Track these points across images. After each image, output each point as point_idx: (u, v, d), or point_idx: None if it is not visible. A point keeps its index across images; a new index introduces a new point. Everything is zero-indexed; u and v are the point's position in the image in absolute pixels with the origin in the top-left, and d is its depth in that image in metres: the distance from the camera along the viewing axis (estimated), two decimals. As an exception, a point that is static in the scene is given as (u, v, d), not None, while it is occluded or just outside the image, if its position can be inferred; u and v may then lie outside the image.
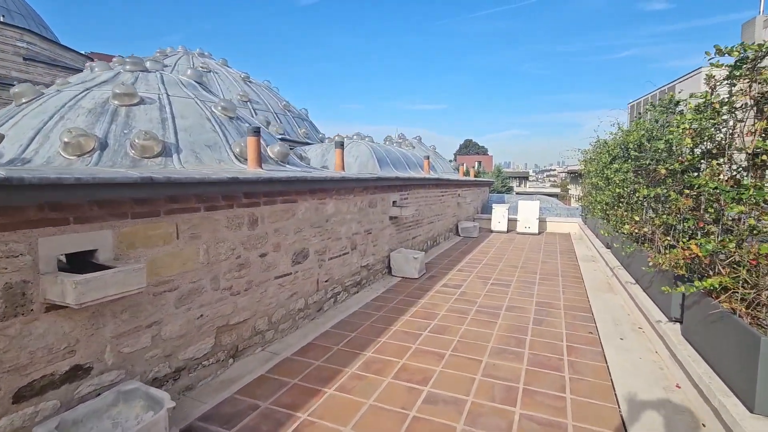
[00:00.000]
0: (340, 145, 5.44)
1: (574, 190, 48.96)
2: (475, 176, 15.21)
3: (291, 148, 8.99)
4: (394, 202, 6.51)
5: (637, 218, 4.22)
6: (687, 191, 3.13)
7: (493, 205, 11.93)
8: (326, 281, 4.69)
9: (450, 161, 14.50)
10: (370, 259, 5.82)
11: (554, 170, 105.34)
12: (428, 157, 9.02)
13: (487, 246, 9.42)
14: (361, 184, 5.28)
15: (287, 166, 4.81)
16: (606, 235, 6.16)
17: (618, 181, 5.33)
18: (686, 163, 3.16)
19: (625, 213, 5.15)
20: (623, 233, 4.72)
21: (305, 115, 10.99)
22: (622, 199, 5.49)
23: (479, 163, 75.34)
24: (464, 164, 13.19)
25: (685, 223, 3.29)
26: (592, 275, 6.60)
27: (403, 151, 9.09)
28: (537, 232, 11.32)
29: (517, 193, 61.84)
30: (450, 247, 9.17)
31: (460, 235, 10.78)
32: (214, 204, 3.06)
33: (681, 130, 3.06)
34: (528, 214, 11.49)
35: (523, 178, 72.78)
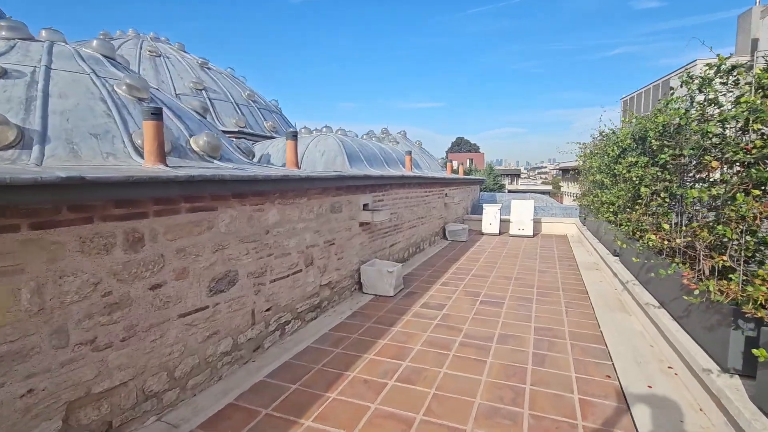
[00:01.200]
0: (293, 136, 4.39)
1: (567, 188, 48.31)
2: (465, 174, 14.24)
3: (254, 143, 7.93)
4: (365, 205, 5.48)
5: (666, 226, 3.24)
6: (756, 192, 2.14)
7: (484, 206, 10.95)
8: (267, 310, 3.65)
9: (442, 158, 13.50)
10: (333, 276, 4.79)
11: (545, 167, 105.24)
12: (410, 153, 8.01)
13: (477, 252, 8.43)
14: (318, 184, 4.24)
15: (216, 162, 3.76)
16: (622, 246, 5.20)
17: (635, 178, 4.35)
18: (757, 152, 2.18)
19: (644, 217, 4.17)
20: (644, 243, 3.75)
21: (274, 107, 9.92)
22: (638, 201, 4.51)
23: (471, 160, 74.69)
24: (453, 161, 12.19)
25: (749, 238, 2.32)
26: (599, 288, 5.63)
27: (382, 147, 8.06)
28: (531, 234, 10.36)
29: (509, 191, 61.19)
30: (435, 253, 8.16)
31: (447, 239, 9.79)
32: (51, 219, 2.00)
33: (749, 104, 2.07)
34: (522, 214, 10.54)
35: (515, 175, 72.25)
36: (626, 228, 4.72)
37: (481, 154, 79.95)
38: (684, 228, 3.18)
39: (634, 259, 4.30)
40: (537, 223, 11.27)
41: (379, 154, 7.35)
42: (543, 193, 61.22)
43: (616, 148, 5.51)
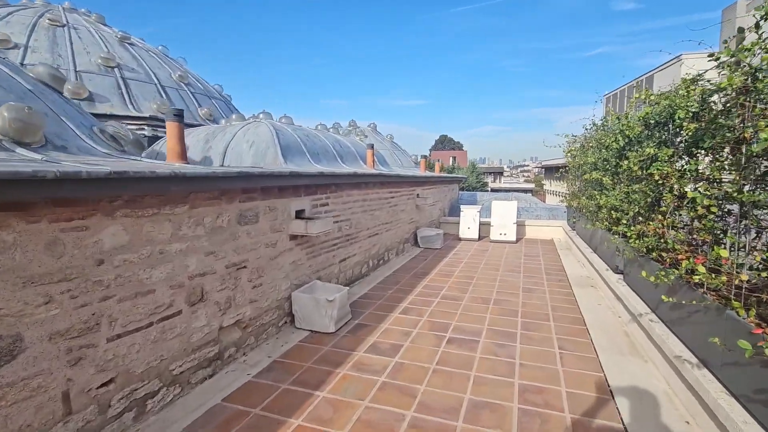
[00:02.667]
0: (177, 116, 3.04)
1: (550, 186, 47.84)
2: (442, 171, 13.04)
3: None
4: (299, 212, 4.18)
5: (724, 252, 2.04)
6: None
7: (462, 208, 9.75)
8: (105, 385, 2.31)
9: (416, 155, 12.26)
10: (245, 311, 3.47)
11: (528, 165, 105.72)
12: (372, 147, 6.73)
13: (451, 262, 7.21)
14: (209, 185, 2.92)
15: (20, 150, 2.39)
16: (628, 257, 4.02)
17: (657, 177, 3.14)
18: None
19: (668, 231, 2.98)
20: (679, 273, 2.54)
21: (217, 92, 8.50)
22: (655, 208, 3.33)
23: (454, 158, 73.98)
24: (428, 158, 10.94)
25: None
26: (599, 317, 4.46)
27: (339, 139, 6.75)
28: (514, 239, 9.22)
29: (492, 189, 60.57)
30: (402, 265, 6.91)
31: (420, 246, 8.56)
32: None
33: None
34: (503, 217, 9.38)
35: (498, 173, 71.90)
36: (634, 243, 3.53)
37: (464, 152, 79.36)
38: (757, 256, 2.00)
39: (651, 280, 3.11)
40: (520, 226, 10.15)
41: (331, 148, 6.04)
42: (526, 191, 61.06)
43: (620, 138, 4.33)
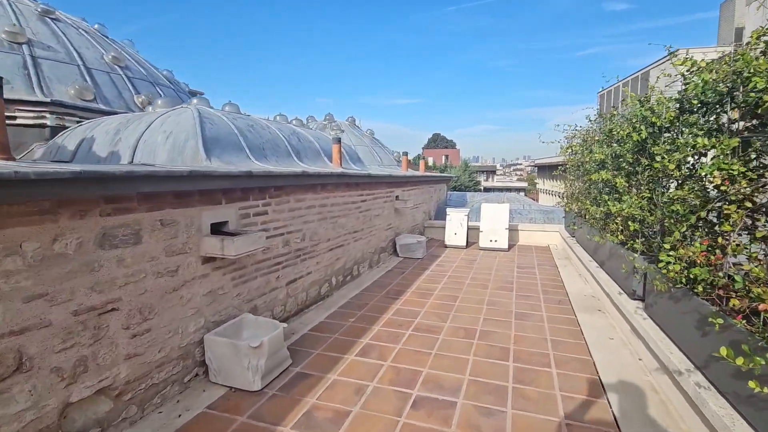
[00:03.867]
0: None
1: (543, 185, 47.05)
2: (434, 170, 12.01)
3: (88, 121, 5.39)
4: (218, 225, 3.12)
5: None
6: None
7: (448, 211, 8.73)
8: None
9: (398, 152, 11.18)
10: (116, 373, 2.41)
11: (521, 164, 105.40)
12: (339, 141, 5.67)
13: (432, 277, 6.19)
14: (14, 193, 1.84)
15: None
16: (656, 285, 3.01)
17: (718, 181, 2.12)
18: None
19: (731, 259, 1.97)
20: (761, 333, 1.53)
21: (165, 78, 7.36)
22: (701, 224, 2.32)
23: (446, 157, 73.10)
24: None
25: None
26: (614, 360, 3.45)
27: (298, 132, 5.67)
28: (506, 246, 8.21)
29: (484, 189, 59.77)
30: (375, 281, 5.86)
31: (399, 256, 7.52)
32: None
33: None
34: (494, 221, 8.38)
35: (491, 172, 71.21)
36: (674, 270, 2.51)
37: (456, 151, 78.57)
38: None
39: (715, 328, 2.10)
40: (513, 231, 9.15)
41: (284, 142, 4.96)
42: (519, 190, 60.45)
43: (642, 128, 3.32)
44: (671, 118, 2.89)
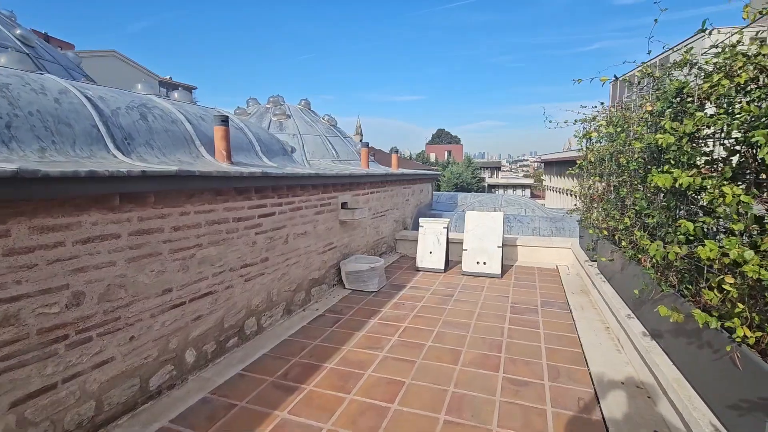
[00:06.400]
0: None
1: (550, 182, 44.41)
2: (427, 165, 9.75)
3: None
4: None
5: None
6: None
7: (421, 222, 6.54)
8: None
9: (364, 143, 8.95)
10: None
11: (527, 160, 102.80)
12: (227, 122, 3.52)
13: (374, 336, 4.01)
14: None
15: None
16: None
17: None
18: None
19: None
20: None
21: (71, 61, 5.20)
22: None
23: (449, 152, 70.73)
24: (369, 145, 7.65)
25: None
26: None
27: (149, 101, 3.51)
28: (499, 272, 5.99)
29: (488, 186, 57.21)
30: (279, 344, 3.70)
31: (346, 288, 5.36)
32: None
33: None
34: (484, 236, 6.18)
35: (495, 168, 68.75)
36: None
37: (460, 146, 76.07)
38: None
39: None
40: (510, 247, 6.95)
41: (91, 116, 2.80)
42: (525, 187, 57.77)
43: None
44: None
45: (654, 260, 2.50)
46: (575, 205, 6.19)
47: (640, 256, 3.02)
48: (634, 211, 3.30)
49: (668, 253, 1.98)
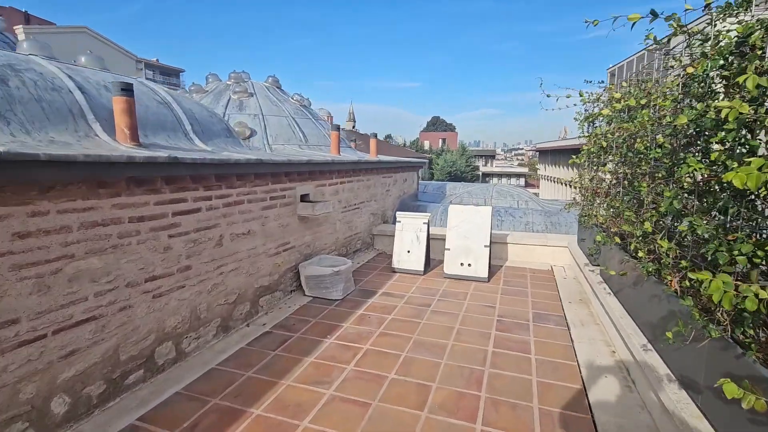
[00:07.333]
0: None
1: (544, 170, 43.64)
2: (421, 153, 8.90)
3: None
4: None
5: None
6: None
7: (398, 216, 5.74)
8: None
9: (338, 126, 8.10)
10: None
11: (522, 149, 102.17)
12: (128, 91, 2.70)
13: (325, 363, 3.23)
14: None
15: None
16: None
17: None
18: None
19: None
20: None
21: None
22: None
23: (443, 140, 69.67)
24: (340, 128, 6.78)
25: None
26: None
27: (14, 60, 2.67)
28: (486, 275, 5.23)
29: (483, 174, 56.41)
30: (207, 372, 2.92)
31: (306, 294, 4.57)
32: None
33: None
34: (469, 234, 5.40)
35: (490, 156, 67.96)
36: None
37: (454, 134, 74.97)
38: None
39: None
40: (499, 244, 6.19)
41: None
42: (519, 176, 57.10)
43: None
44: None
45: (702, 294, 1.72)
46: (574, 198, 5.41)
47: (667, 275, 2.25)
48: (654, 212, 2.52)
49: (743, 299, 1.21)
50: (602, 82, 4.70)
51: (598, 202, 4.61)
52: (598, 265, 4.44)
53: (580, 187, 5.12)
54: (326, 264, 4.65)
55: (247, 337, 3.53)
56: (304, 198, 4.57)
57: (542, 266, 5.99)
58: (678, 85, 2.35)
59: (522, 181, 54.44)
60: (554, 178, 37.62)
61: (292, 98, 7.10)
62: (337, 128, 5.81)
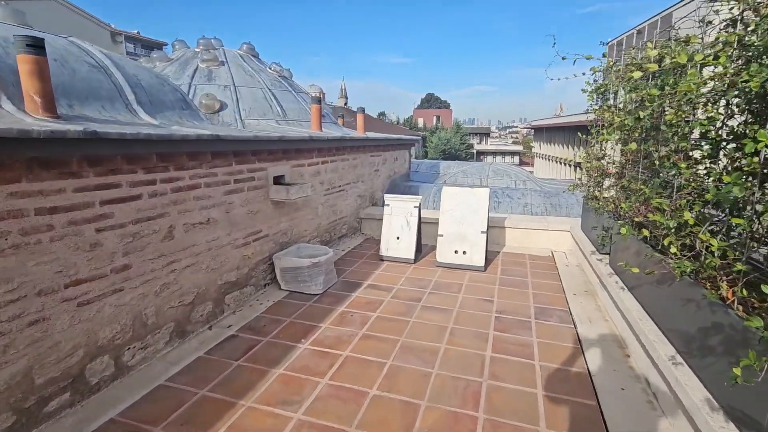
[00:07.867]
0: None
1: (539, 149, 42.99)
2: (413, 131, 8.26)
3: None
4: None
5: None
6: None
7: (387, 199, 5.22)
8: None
9: (315, 96, 7.49)
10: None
11: (516, 126, 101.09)
12: (39, 48, 2.16)
13: (297, 377, 2.76)
14: None
15: None
16: None
17: None
18: None
19: None
20: None
21: None
22: None
23: (437, 117, 68.44)
24: (321, 102, 6.17)
25: None
26: None
27: None
28: (482, 264, 4.77)
29: (477, 152, 55.58)
30: (153, 390, 2.44)
31: (282, 288, 4.09)
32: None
33: None
34: (464, 220, 4.91)
35: (485, 134, 67.04)
36: None
37: (449, 111, 73.69)
38: None
39: None
40: (496, 228, 5.72)
41: None
42: (513, 154, 56.47)
43: None
44: None
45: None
46: (579, 180, 4.92)
47: (722, 282, 1.77)
48: (697, 200, 2.02)
49: None
50: (604, 55, 4.13)
51: (608, 184, 4.12)
52: (608, 254, 3.99)
53: (585, 167, 4.62)
54: (305, 254, 4.15)
55: (208, 344, 3.05)
56: (278, 180, 4.02)
57: (542, 252, 5.54)
58: (735, 39, 1.82)
59: (516, 159, 53.86)
60: (549, 156, 37.08)
61: (270, 68, 6.42)
62: (318, 101, 5.19)
